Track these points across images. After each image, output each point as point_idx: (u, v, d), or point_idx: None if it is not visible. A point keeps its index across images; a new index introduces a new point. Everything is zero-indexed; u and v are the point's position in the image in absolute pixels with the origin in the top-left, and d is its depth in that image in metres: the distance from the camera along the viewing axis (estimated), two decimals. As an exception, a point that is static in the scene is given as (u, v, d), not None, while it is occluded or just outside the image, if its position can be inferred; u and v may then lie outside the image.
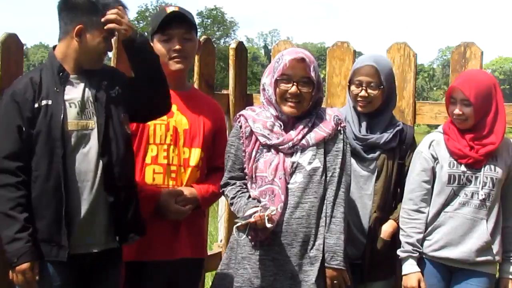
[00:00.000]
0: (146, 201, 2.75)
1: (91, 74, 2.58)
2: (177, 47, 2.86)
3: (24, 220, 2.42)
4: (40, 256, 2.45)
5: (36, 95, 2.48)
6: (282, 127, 2.69)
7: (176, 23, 2.87)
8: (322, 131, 2.70)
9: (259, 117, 2.72)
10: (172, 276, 2.88)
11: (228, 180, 2.76)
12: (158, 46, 2.88)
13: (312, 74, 2.65)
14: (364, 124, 3.04)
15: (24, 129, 2.45)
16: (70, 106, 2.51)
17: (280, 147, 2.66)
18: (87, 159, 2.50)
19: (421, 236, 2.97)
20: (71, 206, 2.47)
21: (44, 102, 2.47)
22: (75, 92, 2.53)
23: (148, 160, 2.85)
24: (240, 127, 2.74)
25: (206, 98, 3.14)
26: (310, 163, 2.66)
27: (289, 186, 2.64)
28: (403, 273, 2.97)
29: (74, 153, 2.49)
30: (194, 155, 2.91)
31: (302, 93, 2.65)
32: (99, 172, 2.51)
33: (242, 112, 2.79)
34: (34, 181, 2.46)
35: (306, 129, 2.69)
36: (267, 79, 2.73)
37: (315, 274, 2.62)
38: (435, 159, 2.99)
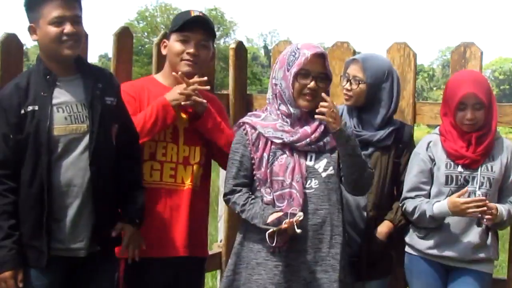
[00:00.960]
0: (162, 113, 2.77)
1: (84, 76, 2.55)
2: (192, 51, 2.87)
3: (9, 227, 2.39)
4: (23, 263, 2.43)
5: (22, 101, 2.43)
6: (292, 124, 2.66)
7: (196, 27, 2.88)
8: None
9: (267, 122, 2.69)
10: (173, 274, 2.88)
11: (234, 187, 2.72)
12: (173, 45, 2.90)
13: (330, 69, 2.66)
14: (354, 120, 3.08)
15: (11, 136, 2.42)
16: (58, 111, 2.46)
17: (297, 144, 2.62)
18: (76, 163, 2.47)
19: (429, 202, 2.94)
20: (55, 211, 2.44)
21: (30, 108, 2.43)
22: (64, 95, 2.49)
23: (146, 156, 2.86)
24: (246, 134, 2.71)
25: (205, 95, 3.11)
26: (325, 170, 2.65)
27: (305, 191, 2.61)
28: (447, 210, 2.86)
29: (62, 158, 2.46)
30: (195, 153, 2.92)
31: (319, 89, 2.63)
32: (87, 177, 2.47)
33: (245, 119, 2.75)
34: (22, 186, 2.44)
35: (322, 126, 2.65)
36: (279, 73, 2.69)
37: (331, 282, 2.61)
38: (433, 160, 2.99)
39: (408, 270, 3.10)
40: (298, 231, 2.45)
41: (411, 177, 3.02)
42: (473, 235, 2.93)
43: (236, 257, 2.72)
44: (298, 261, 2.61)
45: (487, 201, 2.82)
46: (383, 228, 3.06)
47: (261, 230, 2.55)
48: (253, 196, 2.68)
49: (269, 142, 2.65)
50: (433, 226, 2.95)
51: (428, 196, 3.00)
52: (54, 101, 2.47)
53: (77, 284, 2.57)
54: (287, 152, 2.64)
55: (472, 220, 2.93)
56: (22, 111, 2.43)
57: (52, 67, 2.51)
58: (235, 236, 2.81)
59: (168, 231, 2.86)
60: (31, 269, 2.45)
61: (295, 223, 2.44)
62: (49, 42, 2.48)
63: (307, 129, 2.64)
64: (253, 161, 2.68)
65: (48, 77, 2.49)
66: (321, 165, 2.65)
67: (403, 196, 3.04)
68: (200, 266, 3.07)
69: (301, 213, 2.49)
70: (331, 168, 2.65)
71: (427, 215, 2.92)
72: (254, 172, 2.68)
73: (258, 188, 2.68)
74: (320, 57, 2.63)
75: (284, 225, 2.45)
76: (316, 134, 2.64)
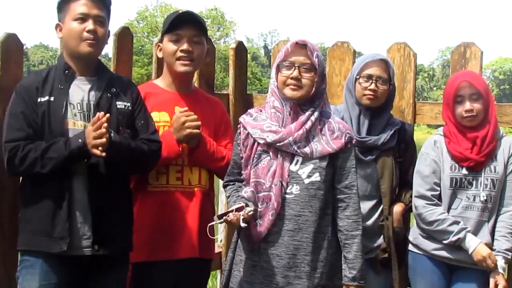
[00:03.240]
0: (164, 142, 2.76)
1: (100, 78, 2.60)
2: (185, 47, 2.87)
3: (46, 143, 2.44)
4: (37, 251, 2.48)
5: (40, 91, 2.51)
6: (284, 122, 2.61)
7: (186, 24, 2.88)
8: (329, 146, 2.59)
9: (257, 122, 2.67)
10: (180, 274, 2.87)
11: (226, 183, 2.77)
12: (166, 46, 2.91)
13: (315, 60, 2.59)
14: (366, 122, 3.03)
15: (29, 119, 2.48)
16: (70, 106, 2.52)
17: (280, 144, 2.57)
18: (79, 161, 2.49)
19: (449, 215, 2.93)
20: (68, 206, 2.47)
21: (46, 98, 2.50)
22: (77, 93, 2.55)
23: None
24: (239, 133, 2.72)
25: (210, 98, 3.14)
26: (309, 176, 2.58)
27: (285, 196, 2.57)
28: (470, 251, 2.87)
29: None
30: None
31: (303, 78, 2.58)
32: (86, 176, 2.50)
33: (241, 118, 2.75)
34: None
35: (309, 123, 2.59)
36: (273, 71, 2.69)
37: None
38: (440, 161, 2.99)
39: (411, 269, 3.09)
40: (243, 225, 2.45)
41: (423, 177, 2.98)
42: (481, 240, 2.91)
43: (231, 253, 2.74)
44: (270, 264, 2.58)
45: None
46: (398, 208, 3.05)
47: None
48: (239, 189, 2.67)
49: (256, 143, 2.64)
50: (444, 241, 2.93)
51: (439, 197, 2.98)
52: (68, 96, 2.52)
53: (86, 285, 2.57)
54: (271, 154, 2.60)
55: (479, 224, 2.93)
56: (39, 99, 2.50)
57: (72, 65, 2.58)
58: (235, 237, 2.81)
59: (177, 234, 2.85)
60: (39, 268, 2.47)
61: (241, 217, 2.44)
62: (70, 38, 2.56)
63: (292, 127, 2.59)
64: (242, 160, 2.69)
65: (66, 71, 2.56)
66: (305, 171, 2.58)
67: (420, 193, 2.98)
68: (207, 267, 3.07)
69: (249, 208, 2.48)
70: (316, 175, 2.57)
71: (453, 238, 2.89)
72: (242, 171, 2.69)
73: (245, 185, 2.69)
74: (302, 47, 2.60)
75: (227, 218, 2.47)
76: (300, 132, 2.57)
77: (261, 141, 2.61)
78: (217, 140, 3.00)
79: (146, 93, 2.90)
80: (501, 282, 2.88)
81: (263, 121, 2.66)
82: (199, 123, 2.85)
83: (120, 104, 2.60)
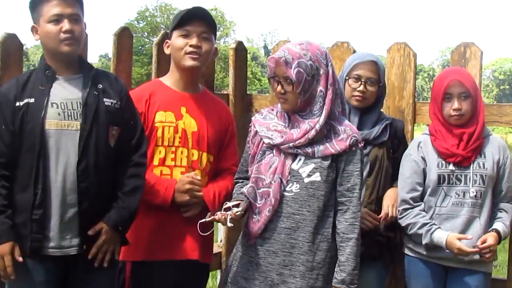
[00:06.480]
0: (163, 192, 2.79)
1: (85, 76, 2.58)
2: (194, 42, 2.85)
3: (2, 206, 2.41)
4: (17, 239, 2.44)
5: (19, 94, 2.48)
6: (289, 123, 2.62)
7: (196, 20, 2.87)
8: (333, 148, 2.57)
9: (265, 120, 2.69)
10: (177, 278, 2.87)
11: (236, 180, 2.81)
12: (175, 41, 2.89)
13: (292, 72, 2.52)
14: (356, 120, 3.03)
15: (4, 127, 2.46)
16: (52, 106, 2.48)
17: (282, 147, 2.60)
18: (64, 160, 2.48)
19: (427, 217, 2.94)
20: (47, 206, 2.46)
21: (25, 101, 2.47)
22: (61, 92, 2.52)
23: (155, 161, 2.84)
24: (250, 131, 2.74)
25: (217, 102, 3.11)
26: (309, 175, 2.57)
27: (284, 193, 2.58)
28: (444, 247, 2.89)
29: (51, 152, 2.47)
30: (202, 158, 2.92)
31: (286, 92, 2.57)
32: (75, 174, 2.48)
33: (253, 117, 2.78)
34: (18, 175, 2.46)
35: (312, 131, 2.56)
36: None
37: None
38: (424, 160, 2.99)
39: (407, 272, 3.10)
40: (229, 224, 2.48)
41: (405, 179, 3.00)
42: (471, 236, 2.90)
43: (235, 249, 2.76)
44: (265, 261, 2.60)
45: (479, 248, 2.85)
46: (392, 191, 3.06)
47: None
48: (243, 187, 2.69)
49: (262, 141, 2.66)
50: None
51: (421, 197, 2.99)
52: (50, 96, 2.50)
53: (74, 284, 2.57)
54: (274, 152, 2.62)
55: (470, 220, 2.92)
56: (17, 104, 2.47)
57: (53, 65, 2.55)
58: (235, 236, 2.82)
59: (178, 235, 2.84)
60: (25, 267, 2.46)
61: (229, 216, 2.47)
62: (48, 40, 2.53)
63: (294, 132, 2.59)
64: (250, 157, 2.71)
65: (47, 72, 2.53)
66: (306, 170, 2.57)
67: (401, 198, 3.00)
68: (204, 271, 3.06)
69: (237, 209, 2.50)
70: (317, 174, 2.56)
71: (423, 241, 2.93)
72: (248, 168, 2.71)
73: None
74: (278, 61, 2.56)
75: (214, 217, 2.50)
76: (302, 140, 2.56)
77: (266, 140, 2.63)
78: (220, 151, 3.00)
79: (151, 92, 2.89)
80: (490, 240, 2.86)
81: (270, 120, 2.68)
82: (201, 194, 2.84)
83: (107, 101, 2.57)
